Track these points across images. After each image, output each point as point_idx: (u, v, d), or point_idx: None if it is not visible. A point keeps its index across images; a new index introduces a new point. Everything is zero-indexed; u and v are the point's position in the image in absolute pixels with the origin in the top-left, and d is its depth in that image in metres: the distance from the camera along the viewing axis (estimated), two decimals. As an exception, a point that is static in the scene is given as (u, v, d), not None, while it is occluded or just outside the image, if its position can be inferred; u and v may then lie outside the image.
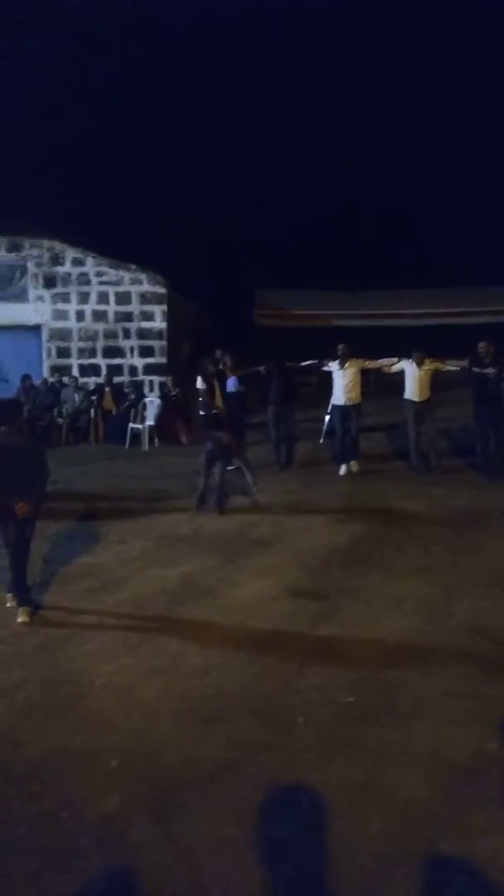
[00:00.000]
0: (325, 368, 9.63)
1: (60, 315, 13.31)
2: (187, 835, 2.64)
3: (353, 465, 9.34)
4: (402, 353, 9.73)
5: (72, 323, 13.35)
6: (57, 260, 13.22)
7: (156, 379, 13.29)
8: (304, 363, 10.04)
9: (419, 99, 25.53)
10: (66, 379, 12.87)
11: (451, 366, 9.30)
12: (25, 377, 12.26)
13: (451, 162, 23.62)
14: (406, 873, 2.44)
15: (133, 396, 12.34)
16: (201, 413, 9.58)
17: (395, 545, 6.22)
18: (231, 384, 10.72)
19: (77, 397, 12.30)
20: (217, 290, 18.14)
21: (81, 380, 12.99)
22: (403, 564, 5.69)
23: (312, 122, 24.55)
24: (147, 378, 13.41)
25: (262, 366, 10.04)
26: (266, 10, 23.52)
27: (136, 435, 11.65)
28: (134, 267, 13.35)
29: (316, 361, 9.83)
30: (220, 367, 9.85)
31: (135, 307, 13.30)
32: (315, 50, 25.70)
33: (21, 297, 13.23)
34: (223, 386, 9.54)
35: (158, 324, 13.34)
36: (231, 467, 7.97)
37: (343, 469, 9.31)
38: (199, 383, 9.58)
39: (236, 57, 25.49)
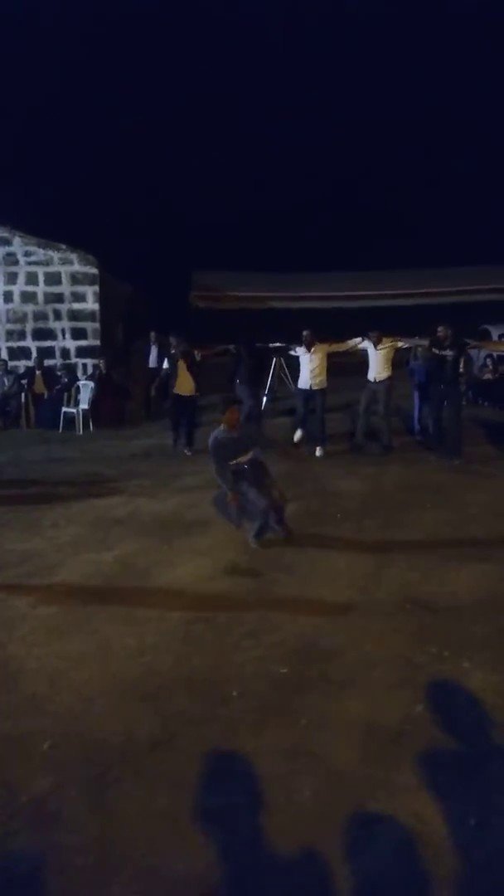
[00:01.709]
0: (293, 353, 9.70)
1: (-13, 296, 12.87)
2: (121, 810, 2.64)
3: (318, 450, 9.38)
4: (341, 335, 9.88)
5: (-1, 305, 12.93)
6: (-18, 239, 12.75)
7: (89, 362, 13.03)
8: (272, 345, 10.08)
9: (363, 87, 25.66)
10: (-6, 362, 12.49)
11: (409, 343, 9.53)
12: None
13: (389, 141, 23.95)
14: (335, 833, 2.51)
15: (66, 380, 12.08)
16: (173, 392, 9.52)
17: (331, 522, 6.33)
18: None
19: (6, 381, 11.95)
20: (152, 271, 17.88)
21: (11, 363, 12.63)
22: (338, 540, 5.80)
23: (251, 101, 24.42)
24: (80, 361, 13.14)
25: (232, 345, 10.02)
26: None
27: (70, 419, 11.42)
28: (64, 247, 13.00)
29: (283, 345, 9.91)
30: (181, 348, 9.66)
31: (65, 288, 12.98)
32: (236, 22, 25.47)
33: None
34: (191, 366, 9.43)
35: (90, 305, 13.06)
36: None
37: (318, 451, 9.32)
38: (166, 364, 9.50)
39: (176, 32, 25.02)
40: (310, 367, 9.47)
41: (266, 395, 12.02)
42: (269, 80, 24.97)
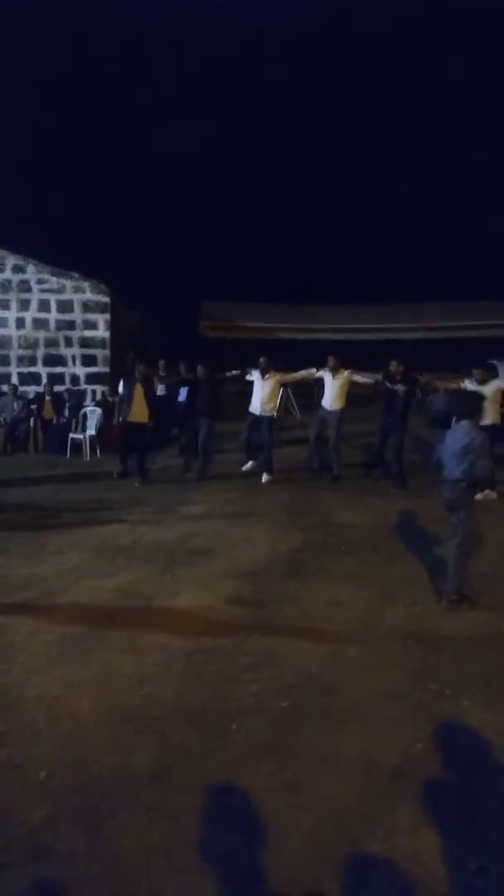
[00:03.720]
0: (248, 377, 9.84)
1: (0, 322, 13.07)
2: (117, 843, 2.62)
3: (265, 476, 9.53)
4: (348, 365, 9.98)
5: (12, 330, 13.13)
6: (-3, 266, 13.00)
7: (98, 388, 13.18)
8: (229, 373, 10.22)
9: (369, 122, 26.20)
10: (4, 387, 12.63)
11: (364, 377, 9.65)
12: None
13: (402, 179, 24.35)
14: (332, 873, 2.48)
15: (70, 404, 12.17)
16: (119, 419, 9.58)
17: (333, 554, 6.32)
18: (183, 393, 10.77)
19: (16, 406, 12.06)
20: (163, 300, 18.12)
21: (21, 388, 12.76)
22: (340, 572, 5.79)
23: (263, 134, 24.91)
24: (89, 387, 13.28)
25: (190, 373, 10.14)
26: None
27: (78, 445, 11.49)
28: (76, 275, 13.24)
29: (240, 371, 10.05)
30: (143, 372, 9.74)
31: (77, 315, 13.18)
32: (270, 56, 26.12)
33: (-42, 303, 12.95)
34: (149, 392, 9.47)
35: (101, 333, 13.24)
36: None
37: (265, 477, 9.52)
38: (121, 388, 9.55)
39: (182, 60, 25.66)
40: (262, 393, 9.63)
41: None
42: (284, 113, 25.54)
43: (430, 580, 5.60)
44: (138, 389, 9.37)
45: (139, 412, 9.39)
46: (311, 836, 2.67)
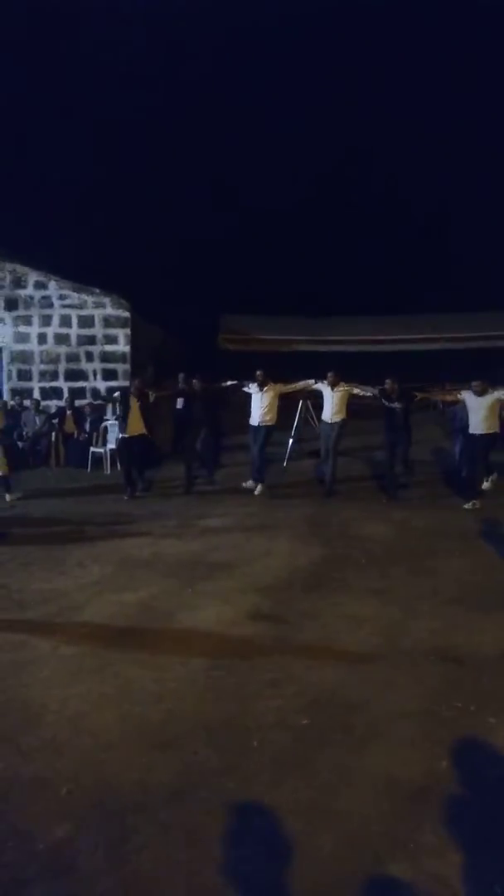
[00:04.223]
0: (246, 390, 9.94)
1: (22, 338, 13.25)
2: (138, 861, 2.60)
3: (258, 488, 9.64)
4: (366, 379, 10.02)
5: (33, 346, 13.29)
6: (19, 282, 13.19)
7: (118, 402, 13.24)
8: (225, 384, 10.34)
9: (391, 129, 26.23)
10: (26, 402, 12.77)
11: (363, 391, 9.73)
12: None
13: (420, 190, 24.33)
14: (354, 894, 2.44)
15: (90, 419, 12.28)
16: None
17: (355, 567, 6.28)
18: (180, 404, 10.87)
19: (38, 420, 12.19)
20: (182, 314, 18.24)
21: (43, 403, 12.90)
22: (362, 586, 5.75)
23: (277, 148, 25.07)
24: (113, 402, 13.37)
25: (184, 385, 10.24)
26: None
27: (98, 458, 11.58)
28: (97, 290, 13.38)
29: (236, 383, 10.16)
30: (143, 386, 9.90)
31: (98, 330, 13.30)
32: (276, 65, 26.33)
33: (-19, 319, 13.14)
34: (144, 407, 9.55)
35: (122, 347, 13.35)
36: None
37: (258, 489, 9.63)
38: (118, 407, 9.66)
39: (188, 71, 25.93)
40: (261, 404, 9.75)
41: (293, 437, 12.08)
42: (303, 123, 25.65)
43: (453, 594, 5.53)
44: (134, 404, 9.47)
45: (135, 426, 9.48)
46: (334, 857, 2.63)
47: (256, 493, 9.57)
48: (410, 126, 25.85)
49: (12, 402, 12.81)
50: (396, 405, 9.35)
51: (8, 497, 9.23)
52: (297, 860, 2.62)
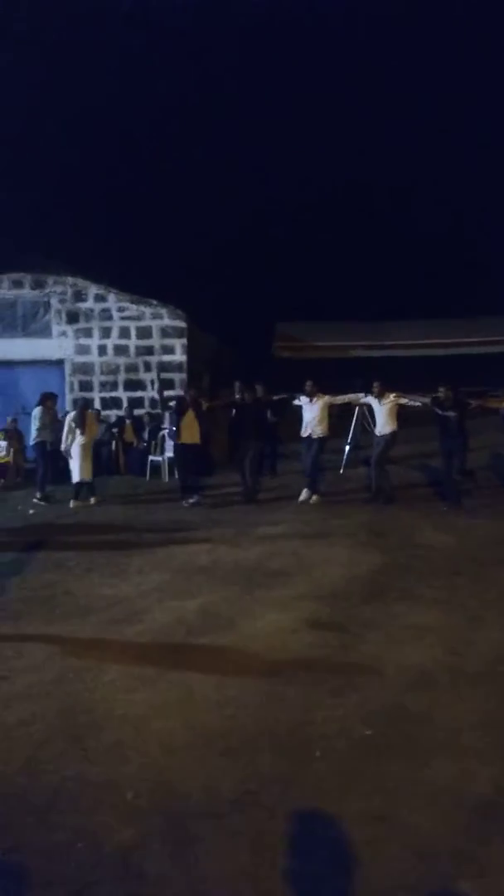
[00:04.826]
0: (296, 402, 9.92)
1: (83, 350, 13.60)
2: (203, 867, 2.62)
3: (309, 495, 9.62)
4: (422, 384, 9.90)
5: (94, 357, 13.62)
6: (80, 296, 13.56)
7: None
8: (276, 397, 10.40)
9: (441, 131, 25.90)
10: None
11: (412, 400, 9.60)
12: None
13: (475, 194, 23.91)
14: (425, 910, 2.40)
15: (149, 428, 12.48)
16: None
17: (416, 576, 6.18)
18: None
19: (99, 430, 12.46)
20: (238, 323, 18.39)
21: (103, 412, 13.20)
22: (424, 595, 5.65)
23: (332, 157, 25.05)
24: (167, 412, 13.56)
25: (240, 395, 10.29)
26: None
27: (157, 467, 11.76)
28: (155, 302, 13.64)
29: (286, 395, 10.20)
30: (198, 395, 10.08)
31: (155, 341, 13.55)
32: (325, 73, 26.30)
33: (45, 332, 13.57)
34: (200, 416, 9.64)
35: (178, 357, 13.55)
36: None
37: (313, 498, 9.60)
38: (172, 411, 9.78)
39: (261, 83, 26.18)
40: (311, 415, 9.75)
41: (349, 444, 12.00)
42: (361, 132, 25.57)
43: (518, 604, 5.38)
44: (189, 413, 9.59)
45: (190, 434, 9.57)
46: (400, 870, 2.59)
47: (309, 502, 9.53)
48: (471, 126, 25.43)
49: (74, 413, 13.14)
50: (451, 414, 9.22)
51: (92, 500, 9.83)
52: (363, 871, 2.58)
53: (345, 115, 25.89)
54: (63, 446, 9.88)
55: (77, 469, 9.74)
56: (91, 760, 3.36)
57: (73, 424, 9.85)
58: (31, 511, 9.45)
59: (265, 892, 2.49)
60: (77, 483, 9.76)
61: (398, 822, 2.86)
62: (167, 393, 11.91)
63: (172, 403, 10.67)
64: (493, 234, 23.39)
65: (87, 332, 13.59)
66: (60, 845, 2.75)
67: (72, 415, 10.15)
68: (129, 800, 3.04)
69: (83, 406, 10.47)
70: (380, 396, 9.55)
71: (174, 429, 9.79)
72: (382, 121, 25.50)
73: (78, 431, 9.77)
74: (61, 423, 11.95)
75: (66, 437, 9.86)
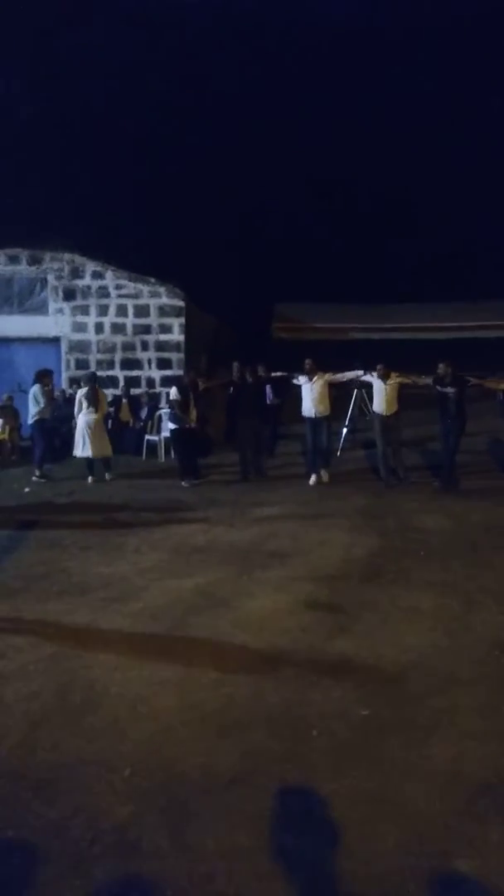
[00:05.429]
0: (295, 382, 9.86)
1: (79, 327, 13.48)
2: (200, 844, 2.62)
3: (324, 473, 9.62)
4: (421, 367, 9.83)
5: (90, 335, 13.50)
6: (77, 273, 13.41)
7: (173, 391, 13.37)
8: (275, 374, 10.32)
9: (440, 117, 25.61)
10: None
11: (417, 380, 9.55)
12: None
13: (477, 178, 23.67)
14: (421, 890, 2.41)
15: (146, 407, 12.42)
16: (171, 426, 9.78)
17: (413, 559, 6.18)
18: (267, 395, 10.92)
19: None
20: (236, 303, 18.24)
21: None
22: (421, 578, 5.65)
23: (332, 137, 24.72)
24: (164, 390, 13.48)
25: (237, 375, 10.23)
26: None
27: (153, 446, 11.71)
28: (153, 280, 13.49)
29: (285, 374, 10.12)
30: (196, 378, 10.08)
31: (153, 320, 13.43)
32: (324, 60, 25.91)
33: (41, 309, 13.43)
34: (195, 396, 9.62)
35: (176, 336, 13.45)
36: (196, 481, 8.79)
37: (313, 479, 9.58)
38: (174, 394, 9.69)
39: (263, 64, 25.77)
40: (312, 395, 9.64)
41: (346, 426, 11.96)
42: (360, 120, 25.21)
43: (515, 588, 5.39)
44: (189, 396, 9.59)
45: (189, 416, 9.64)
46: (397, 849, 2.60)
47: (312, 482, 9.52)
48: (472, 110, 25.11)
49: (70, 391, 13.05)
50: (449, 390, 9.13)
51: (108, 476, 9.92)
52: (360, 850, 2.59)
53: (345, 99, 25.52)
54: (75, 422, 9.95)
55: (88, 446, 9.72)
56: (87, 738, 3.36)
57: (86, 401, 9.79)
58: (26, 489, 9.41)
59: (262, 869, 2.50)
60: (88, 459, 9.74)
61: (395, 802, 2.87)
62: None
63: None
64: (493, 216, 23.17)
65: (84, 310, 13.45)
66: (58, 822, 2.75)
67: (83, 391, 10.06)
68: (126, 777, 3.05)
69: (94, 382, 10.34)
70: (384, 377, 9.46)
71: (181, 414, 9.67)
72: (382, 104, 25.10)
73: (91, 409, 9.73)
74: (58, 401, 11.90)
75: (77, 414, 9.85)
